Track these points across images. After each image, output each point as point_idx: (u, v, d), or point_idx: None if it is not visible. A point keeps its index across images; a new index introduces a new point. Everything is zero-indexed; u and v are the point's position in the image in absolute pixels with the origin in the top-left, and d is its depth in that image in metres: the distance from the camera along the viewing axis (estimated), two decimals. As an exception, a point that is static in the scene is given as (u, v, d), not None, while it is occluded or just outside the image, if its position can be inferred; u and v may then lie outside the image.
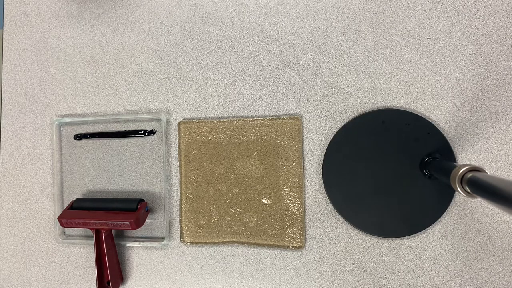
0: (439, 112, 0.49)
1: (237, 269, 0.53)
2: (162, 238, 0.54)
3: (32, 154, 0.59)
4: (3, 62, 0.60)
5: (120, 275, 0.54)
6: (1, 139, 0.60)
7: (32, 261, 0.58)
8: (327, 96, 0.52)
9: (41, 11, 0.59)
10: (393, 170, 0.49)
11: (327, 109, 0.52)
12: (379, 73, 0.51)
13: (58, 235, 0.57)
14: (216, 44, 0.54)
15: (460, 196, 0.48)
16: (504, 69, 0.48)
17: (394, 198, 0.49)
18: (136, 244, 0.55)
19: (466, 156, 0.49)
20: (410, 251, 0.49)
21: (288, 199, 0.51)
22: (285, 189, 0.51)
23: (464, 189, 0.34)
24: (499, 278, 0.48)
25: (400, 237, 0.49)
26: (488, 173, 0.34)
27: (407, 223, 0.49)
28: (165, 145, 0.54)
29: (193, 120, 0.54)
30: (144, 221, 0.53)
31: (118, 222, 0.50)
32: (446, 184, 0.37)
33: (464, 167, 0.35)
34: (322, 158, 0.51)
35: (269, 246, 0.51)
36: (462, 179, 0.35)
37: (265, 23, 0.53)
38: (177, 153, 0.55)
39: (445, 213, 0.48)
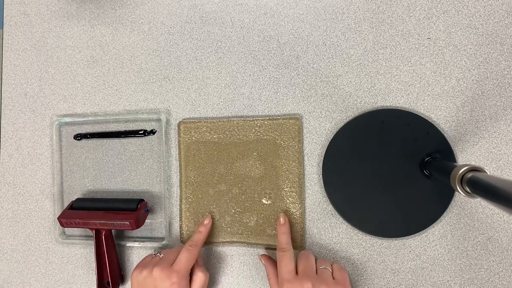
0: (439, 112, 0.49)
1: (237, 269, 0.53)
2: (162, 238, 0.54)
3: (32, 154, 0.59)
4: (3, 62, 0.60)
5: (120, 275, 0.54)
6: (1, 139, 0.60)
7: (32, 261, 0.58)
8: (327, 96, 0.52)
9: (41, 11, 0.59)
10: (393, 170, 0.49)
11: (327, 109, 0.52)
12: (379, 73, 0.51)
13: (58, 235, 0.57)
14: (216, 44, 0.54)
15: (460, 196, 0.48)
16: (504, 69, 0.48)
17: (394, 198, 0.49)
18: (136, 244, 0.55)
19: (466, 156, 0.49)
20: (410, 251, 0.49)
21: (288, 199, 0.51)
22: (285, 189, 0.51)
23: (464, 189, 0.34)
24: (499, 278, 0.48)
25: (400, 237, 0.49)
26: (488, 173, 0.34)
27: (407, 223, 0.49)
28: (165, 145, 0.54)
29: (193, 120, 0.54)
30: (144, 221, 0.53)
31: (118, 222, 0.50)
32: (446, 184, 0.37)
33: (464, 167, 0.35)
34: (322, 158, 0.51)
35: (269, 246, 0.51)
36: (462, 179, 0.35)
37: (265, 23, 0.53)
38: (177, 153, 0.55)
39: (445, 213, 0.48)
